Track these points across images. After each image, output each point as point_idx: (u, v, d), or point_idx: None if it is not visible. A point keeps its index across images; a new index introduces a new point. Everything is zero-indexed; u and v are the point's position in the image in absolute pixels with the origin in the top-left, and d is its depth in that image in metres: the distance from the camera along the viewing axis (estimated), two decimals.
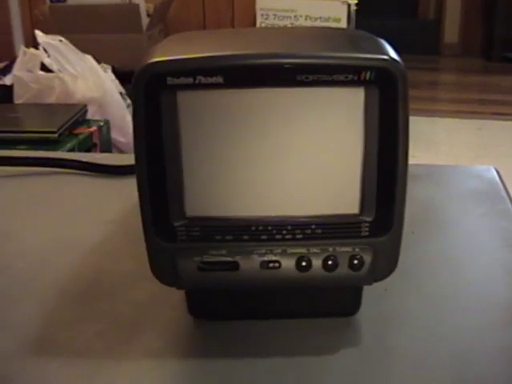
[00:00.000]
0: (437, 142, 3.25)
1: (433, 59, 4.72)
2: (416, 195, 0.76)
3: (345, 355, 0.51)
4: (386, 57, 0.45)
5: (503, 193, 0.78)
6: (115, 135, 2.21)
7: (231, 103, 0.45)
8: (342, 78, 0.44)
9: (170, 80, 0.44)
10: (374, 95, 0.45)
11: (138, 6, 3.15)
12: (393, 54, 0.46)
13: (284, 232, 0.48)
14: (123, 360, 0.51)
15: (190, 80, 0.44)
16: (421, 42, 4.76)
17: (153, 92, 0.45)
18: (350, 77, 0.44)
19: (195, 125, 0.46)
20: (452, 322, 0.54)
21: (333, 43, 0.48)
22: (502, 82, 4.21)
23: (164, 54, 0.46)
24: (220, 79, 0.44)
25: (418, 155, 2.87)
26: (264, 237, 0.48)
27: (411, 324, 0.54)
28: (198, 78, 0.44)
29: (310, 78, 0.44)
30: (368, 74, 0.44)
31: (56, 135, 1.94)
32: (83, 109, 2.14)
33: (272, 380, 0.49)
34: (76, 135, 2.04)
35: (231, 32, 0.53)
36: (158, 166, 0.46)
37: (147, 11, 3.22)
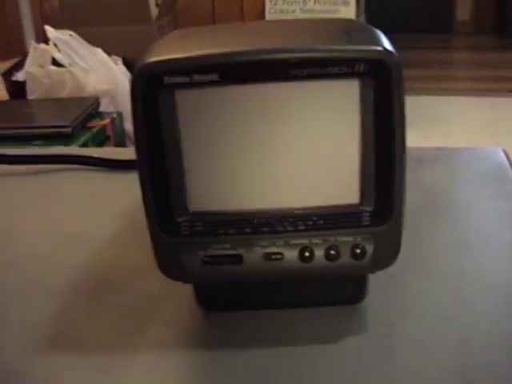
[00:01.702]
0: (450, 121, 3.24)
1: (445, 38, 4.68)
2: (423, 179, 0.76)
3: (350, 343, 0.51)
4: (379, 48, 0.45)
5: (511, 174, 0.78)
6: (128, 126, 2.22)
7: (228, 100, 0.46)
8: (336, 70, 0.45)
9: (167, 79, 0.45)
10: (369, 87, 0.45)
11: None
12: (387, 44, 0.46)
13: (285, 224, 0.49)
14: (135, 352, 0.52)
15: (186, 79, 0.45)
16: (433, 21, 4.72)
17: (151, 91, 0.45)
18: (345, 69, 0.45)
19: (194, 122, 0.47)
20: (458, 307, 0.55)
21: (326, 36, 0.49)
22: None
23: (161, 53, 0.46)
24: (215, 77, 0.45)
25: (431, 135, 2.86)
26: (266, 229, 0.49)
27: (417, 310, 0.55)
28: (194, 76, 0.45)
29: (305, 72, 0.45)
30: (362, 66, 0.45)
31: (70, 129, 1.96)
32: (95, 102, 2.16)
33: (279, 368, 0.49)
34: (89, 128, 2.06)
35: (229, 28, 0.54)
36: (159, 164, 0.47)
37: (156, 2, 3.22)
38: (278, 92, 0.46)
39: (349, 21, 0.55)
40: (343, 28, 0.51)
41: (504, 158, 0.82)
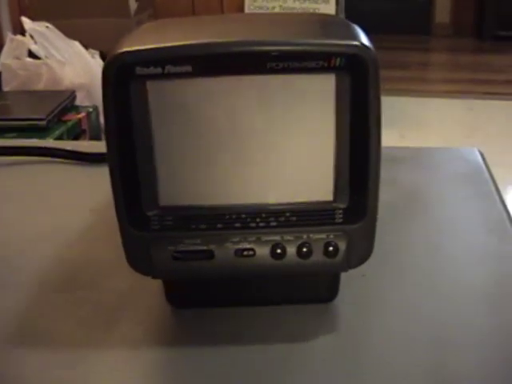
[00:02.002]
0: (427, 122, 3.25)
1: (424, 39, 4.70)
2: (400, 178, 0.76)
3: (321, 341, 0.51)
4: (356, 43, 0.45)
5: (486, 175, 0.78)
6: None
7: (201, 92, 0.45)
8: (312, 64, 0.44)
9: (139, 70, 0.44)
10: (345, 82, 0.45)
11: None
12: (364, 39, 0.45)
13: (258, 220, 0.48)
14: (103, 348, 0.51)
15: (159, 70, 0.44)
16: (412, 23, 4.74)
17: (122, 82, 0.44)
18: (321, 63, 0.44)
19: (166, 114, 0.46)
20: (431, 306, 0.54)
21: (303, 29, 0.48)
22: (493, 62, 4.20)
23: (133, 43, 0.45)
24: (189, 68, 0.44)
25: (408, 135, 2.87)
26: (238, 225, 0.48)
27: (389, 309, 0.54)
28: (167, 67, 0.44)
29: (281, 65, 0.44)
30: (338, 60, 0.44)
31: (44, 122, 1.94)
32: (71, 95, 2.14)
33: (249, 367, 0.49)
34: (65, 122, 2.04)
35: (203, 19, 0.53)
36: (130, 156, 0.46)
37: None
38: (252, 85, 0.45)
39: (327, 16, 0.54)
40: (321, 22, 0.50)
41: (480, 158, 0.82)
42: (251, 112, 0.46)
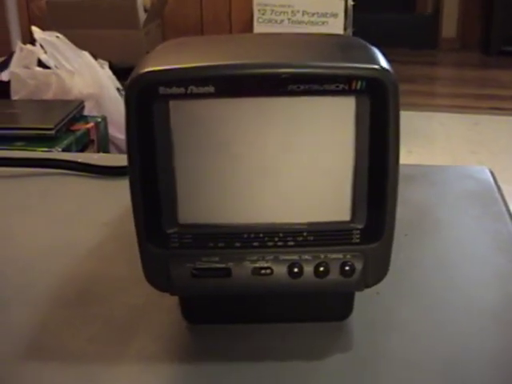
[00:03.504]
0: (434, 137, 3.26)
1: (431, 53, 4.71)
2: (410, 196, 0.76)
3: (336, 360, 0.51)
4: (377, 66, 0.45)
5: (497, 195, 0.78)
6: (112, 131, 2.21)
7: (223, 112, 0.46)
8: (333, 87, 0.45)
9: (162, 90, 0.45)
10: (365, 104, 0.45)
11: (135, 1, 3.14)
12: (384, 63, 0.46)
13: (276, 239, 0.48)
14: (116, 364, 0.51)
15: (182, 90, 0.45)
16: (418, 37, 4.75)
17: (145, 101, 0.45)
18: (341, 86, 0.45)
19: (187, 133, 0.46)
20: (443, 326, 0.55)
21: (324, 52, 0.49)
22: (499, 77, 4.21)
23: (156, 63, 0.46)
24: (211, 89, 0.44)
25: (414, 150, 2.87)
26: (256, 244, 0.48)
27: (402, 328, 0.55)
28: (190, 87, 0.44)
29: (302, 87, 0.45)
30: (359, 83, 0.45)
31: (53, 132, 1.94)
32: (80, 105, 2.14)
33: (264, 383, 0.49)
34: (73, 132, 2.04)
35: (224, 39, 0.53)
36: (151, 174, 0.47)
37: (144, 7, 3.21)
38: (273, 107, 0.46)
39: (345, 37, 0.54)
40: (340, 44, 0.51)
41: (490, 177, 0.83)
42: (271, 133, 0.46)
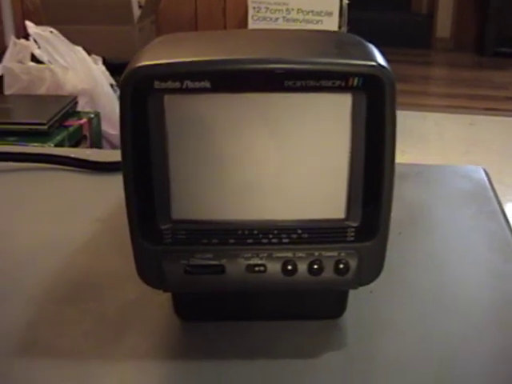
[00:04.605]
0: (427, 137, 3.26)
1: (425, 53, 4.72)
2: (404, 195, 0.76)
3: (329, 357, 0.51)
4: (373, 63, 0.45)
5: (491, 194, 0.78)
6: (105, 127, 2.21)
7: (218, 108, 0.45)
8: (329, 83, 0.44)
9: (157, 84, 0.44)
10: (362, 101, 0.45)
11: None
12: (381, 60, 0.46)
13: (270, 236, 0.48)
14: (109, 361, 0.51)
15: (177, 84, 0.44)
16: (413, 36, 4.76)
17: (140, 95, 0.45)
18: (338, 83, 0.44)
19: (182, 128, 0.46)
20: (437, 324, 0.55)
21: (321, 48, 0.48)
22: (493, 77, 4.22)
23: (152, 57, 0.46)
24: (207, 84, 0.44)
25: (408, 150, 2.87)
26: (250, 240, 0.48)
27: (396, 326, 0.55)
28: (186, 82, 0.44)
29: (298, 83, 0.44)
30: (356, 80, 0.44)
31: (46, 127, 1.94)
32: (73, 100, 2.13)
33: (256, 381, 0.49)
34: (66, 127, 2.03)
35: (220, 34, 0.53)
36: (145, 169, 0.46)
37: (139, 3, 3.20)
38: (269, 102, 0.45)
39: (342, 34, 0.54)
40: (336, 41, 0.51)
41: (485, 177, 0.83)
42: (266, 128, 0.46)
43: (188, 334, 0.54)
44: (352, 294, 0.53)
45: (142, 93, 0.45)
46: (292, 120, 0.46)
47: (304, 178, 0.47)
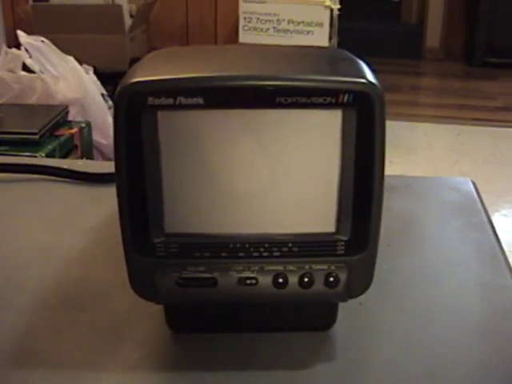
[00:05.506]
0: (416, 147, 3.27)
1: (414, 63, 4.74)
2: (393, 207, 0.77)
3: (319, 369, 0.52)
4: (363, 80, 0.46)
5: (479, 206, 0.79)
6: (96, 137, 2.21)
7: (211, 124, 0.46)
8: (320, 100, 0.45)
9: (151, 100, 0.45)
10: (352, 118, 0.46)
11: (120, 6, 3.14)
12: (371, 77, 0.46)
13: (261, 249, 0.49)
14: (102, 371, 0.51)
15: (170, 100, 0.45)
16: (403, 46, 4.78)
17: (134, 111, 0.45)
18: (328, 99, 0.45)
19: (175, 144, 0.47)
20: (426, 335, 0.55)
21: (312, 65, 0.49)
22: (482, 88, 4.24)
23: (145, 73, 0.46)
24: (200, 100, 0.45)
25: (396, 160, 2.89)
26: (241, 254, 0.49)
27: (386, 338, 0.55)
28: (179, 98, 0.45)
29: (289, 100, 0.45)
30: (346, 97, 0.45)
31: (37, 136, 1.94)
32: (64, 110, 2.13)
33: None
34: (57, 137, 2.03)
35: (213, 50, 0.54)
36: (138, 184, 0.47)
37: (130, 12, 3.21)
38: (261, 118, 0.46)
39: (333, 50, 0.55)
40: (327, 57, 0.51)
41: (473, 189, 0.84)
42: (258, 144, 0.47)
43: (180, 345, 0.54)
44: (341, 306, 0.54)
45: (135, 109, 0.45)
46: (283, 136, 0.47)
47: (295, 193, 0.48)
